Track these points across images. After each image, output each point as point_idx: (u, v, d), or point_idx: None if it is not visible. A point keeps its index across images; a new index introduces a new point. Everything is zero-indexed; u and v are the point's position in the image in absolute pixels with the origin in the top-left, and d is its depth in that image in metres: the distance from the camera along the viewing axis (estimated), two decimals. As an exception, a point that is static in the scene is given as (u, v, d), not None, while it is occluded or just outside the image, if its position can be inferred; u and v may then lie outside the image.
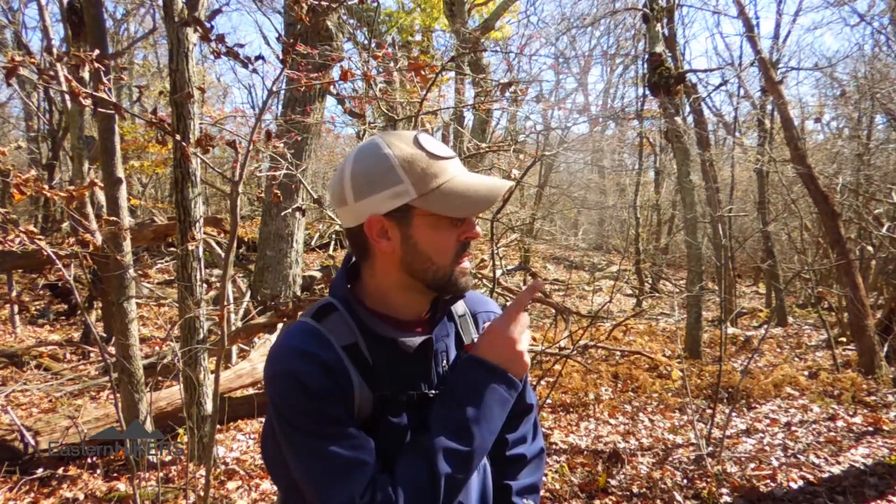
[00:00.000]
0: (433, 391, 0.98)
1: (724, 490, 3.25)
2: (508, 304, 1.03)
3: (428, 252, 0.92)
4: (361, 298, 1.01)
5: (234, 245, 2.38)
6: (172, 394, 3.99)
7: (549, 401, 4.68)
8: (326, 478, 0.88)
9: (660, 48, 6.80)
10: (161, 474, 3.25)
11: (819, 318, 7.36)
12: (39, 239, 2.01)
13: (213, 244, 6.94)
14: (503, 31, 11.74)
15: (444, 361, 1.02)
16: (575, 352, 4.82)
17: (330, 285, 1.03)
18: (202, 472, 3.16)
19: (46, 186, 2.26)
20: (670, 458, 3.68)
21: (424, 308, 1.02)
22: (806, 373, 5.69)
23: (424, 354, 0.97)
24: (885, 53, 8.23)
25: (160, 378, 4.55)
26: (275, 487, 2.61)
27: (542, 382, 4.85)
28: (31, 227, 2.08)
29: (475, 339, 1.03)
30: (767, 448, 3.86)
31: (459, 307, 1.09)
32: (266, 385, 0.95)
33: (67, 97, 5.62)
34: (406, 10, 11.30)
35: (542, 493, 1.25)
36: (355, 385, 0.91)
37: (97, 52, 2.15)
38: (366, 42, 8.72)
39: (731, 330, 7.65)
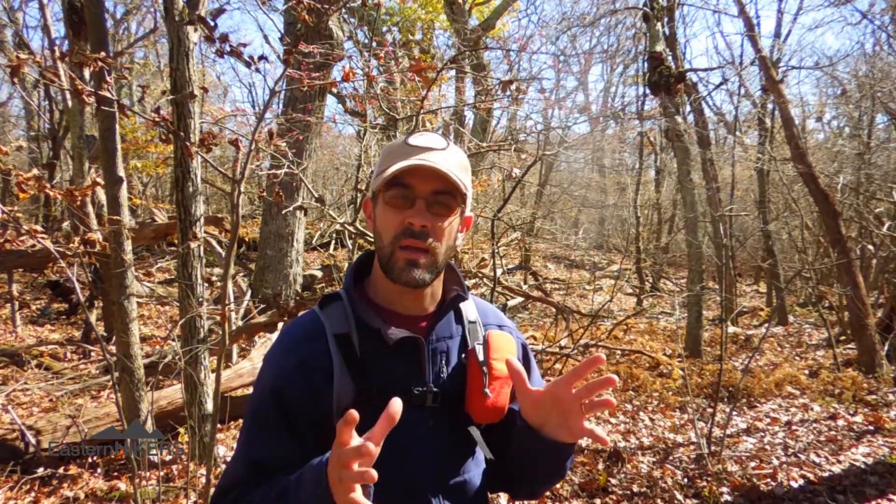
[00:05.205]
0: (421, 390, 0.96)
1: (724, 489, 3.26)
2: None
3: (379, 230, 0.96)
4: (367, 291, 1.04)
5: (235, 244, 2.38)
6: (173, 393, 3.99)
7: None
8: (238, 460, 0.96)
9: (660, 47, 6.79)
10: (162, 473, 3.25)
11: (820, 317, 7.36)
12: (43, 237, 2.02)
13: (214, 243, 6.93)
14: (503, 28, 11.73)
15: (444, 362, 1.00)
16: (576, 351, 4.83)
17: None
18: (203, 471, 3.16)
19: (48, 185, 2.26)
20: (671, 457, 3.69)
21: (421, 304, 1.01)
22: (806, 372, 5.69)
23: (413, 351, 0.97)
24: (887, 52, 8.24)
25: (161, 377, 4.56)
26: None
27: (543, 381, 4.85)
28: (35, 226, 2.08)
29: (478, 345, 1.02)
30: (768, 447, 3.86)
31: (471, 313, 1.07)
32: None
33: (69, 96, 5.62)
34: (408, 7, 11.27)
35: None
36: (336, 377, 0.92)
37: (101, 52, 2.15)
38: (367, 41, 8.71)
39: (731, 329, 7.65)
